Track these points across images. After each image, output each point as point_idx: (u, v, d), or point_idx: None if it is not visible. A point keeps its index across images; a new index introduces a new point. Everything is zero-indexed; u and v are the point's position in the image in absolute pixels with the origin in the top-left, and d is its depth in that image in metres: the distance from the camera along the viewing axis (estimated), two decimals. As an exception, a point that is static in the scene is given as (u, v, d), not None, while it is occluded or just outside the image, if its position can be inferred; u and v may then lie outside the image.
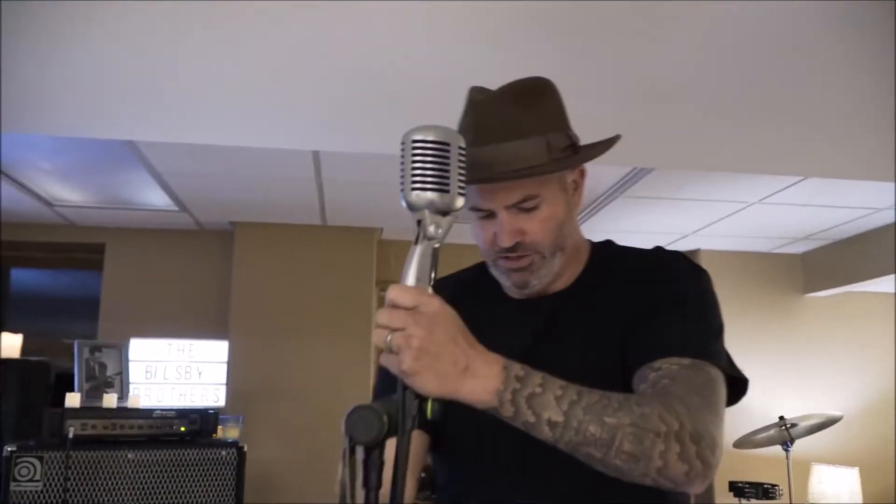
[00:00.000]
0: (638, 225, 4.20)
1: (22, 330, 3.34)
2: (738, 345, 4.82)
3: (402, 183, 0.88)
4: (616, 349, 1.12)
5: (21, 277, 5.11)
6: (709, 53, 3.01)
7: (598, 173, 3.31)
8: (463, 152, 0.89)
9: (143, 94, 2.72)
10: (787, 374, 4.68)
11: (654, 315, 1.11)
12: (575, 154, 1.19)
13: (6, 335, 3.24)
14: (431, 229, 0.88)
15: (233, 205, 3.99)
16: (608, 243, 1.30)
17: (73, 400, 2.85)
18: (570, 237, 1.19)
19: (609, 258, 1.25)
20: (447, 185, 0.87)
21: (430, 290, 0.88)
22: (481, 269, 1.28)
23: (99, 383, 3.23)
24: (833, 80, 3.04)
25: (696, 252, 4.83)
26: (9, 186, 3.51)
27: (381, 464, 0.81)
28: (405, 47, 2.80)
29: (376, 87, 2.77)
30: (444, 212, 0.88)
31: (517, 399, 0.88)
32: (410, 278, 0.87)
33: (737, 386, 1.12)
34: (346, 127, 2.79)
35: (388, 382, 1.17)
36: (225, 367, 3.55)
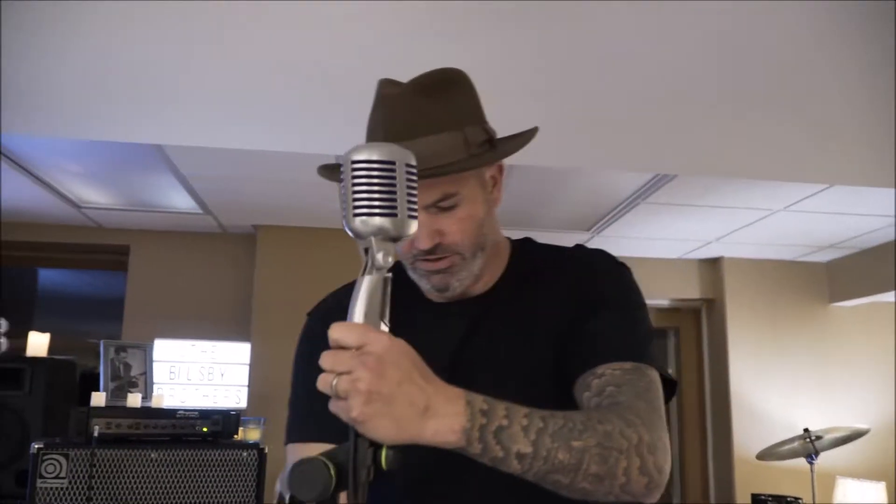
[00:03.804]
0: (659, 232, 4.18)
1: (48, 329, 3.38)
2: (762, 355, 4.77)
3: (343, 209, 0.80)
4: (545, 353, 1.09)
5: (48, 277, 5.18)
6: (734, 59, 3.00)
7: (619, 179, 3.31)
8: (412, 170, 0.81)
9: (170, 98, 2.76)
10: (811, 385, 4.62)
11: (587, 318, 1.09)
12: (493, 148, 1.11)
13: (34, 334, 3.29)
14: (380, 258, 0.80)
15: (255, 208, 4.03)
16: (527, 241, 1.25)
17: (98, 399, 2.89)
18: (490, 236, 1.14)
19: (530, 258, 1.21)
20: (395, 208, 0.79)
21: (383, 325, 0.80)
22: (397, 270, 1.20)
23: (124, 383, 3.27)
24: (860, 86, 3.02)
25: (718, 259, 4.79)
26: (38, 188, 3.56)
27: None
28: (431, 55, 2.81)
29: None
30: (395, 238, 0.81)
31: (484, 436, 0.82)
32: (358, 314, 0.80)
33: (668, 386, 1.09)
34: (369, 132, 2.80)
35: (308, 399, 1.12)
36: (247, 368, 3.58)
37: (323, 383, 0.77)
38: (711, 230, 4.14)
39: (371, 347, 0.77)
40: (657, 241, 4.40)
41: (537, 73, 2.92)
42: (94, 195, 3.80)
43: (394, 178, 0.79)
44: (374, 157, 0.79)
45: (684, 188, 3.35)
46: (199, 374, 3.49)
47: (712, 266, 4.87)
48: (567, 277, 1.15)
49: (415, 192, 0.82)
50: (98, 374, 3.29)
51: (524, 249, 1.23)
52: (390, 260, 0.81)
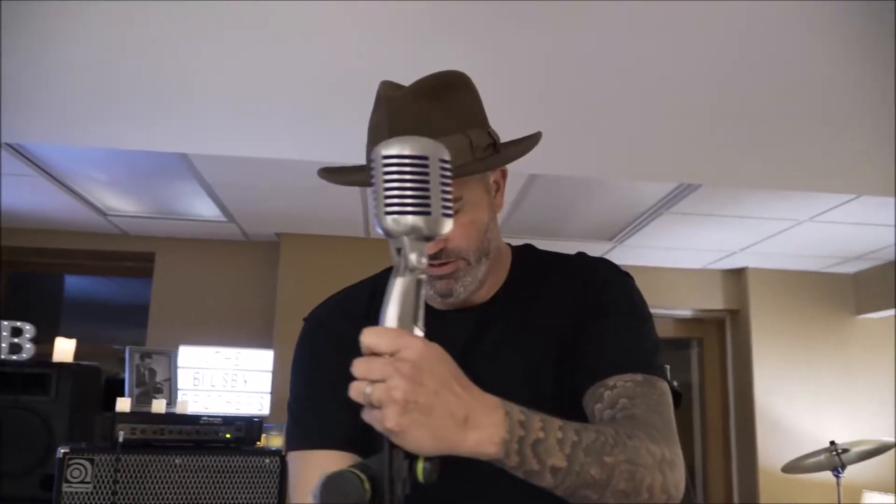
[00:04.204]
0: (682, 242, 4.15)
1: (73, 335, 3.43)
2: (787, 366, 4.71)
3: (374, 206, 0.76)
4: (549, 362, 1.08)
5: (74, 284, 5.25)
6: (760, 69, 2.98)
7: (643, 189, 3.29)
8: (446, 165, 0.77)
9: (195, 108, 2.79)
10: (837, 397, 4.56)
11: (594, 326, 1.07)
12: (497, 153, 1.08)
13: (60, 340, 3.33)
14: (413, 258, 0.76)
15: (279, 216, 4.06)
16: (529, 248, 1.23)
17: (123, 405, 2.92)
18: (493, 241, 1.11)
19: (532, 265, 1.19)
20: (428, 206, 0.75)
21: (417, 329, 0.76)
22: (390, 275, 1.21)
23: (148, 389, 3.30)
24: (887, 97, 2.99)
25: (743, 270, 4.75)
26: (66, 196, 3.62)
27: None
28: (449, 65, 2.82)
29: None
30: (428, 237, 0.77)
31: (523, 448, 0.79)
32: (391, 318, 0.75)
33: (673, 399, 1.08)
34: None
35: (310, 405, 1.11)
36: (270, 375, 3.60)
37: (356, 392, 0.73)
38: (736, 240, 4.11)
39: (406, 353, 0.73)
40: (680, 252, 4.37)
41: (560, 82, 2.93)
42: (120, 203, 3.85)
43: (427, 173, 0.75)
44: (406, 152, 0.75)
45: (708, 198, 3.33)
46: (223, 380, 3.51)
47: (736, 277, 4.83)
48: (571, 285, 1.14)
49: (449, 188, 0.77)
50: (123, 380, 3.32)
51: (525, 256, 1.21)
52: (424, 261, 0.77)
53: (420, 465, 0.73)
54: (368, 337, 0.74)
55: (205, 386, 3.47)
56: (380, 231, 0.77)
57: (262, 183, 3.43)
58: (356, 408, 1.09)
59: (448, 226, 0.77)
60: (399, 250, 0.77)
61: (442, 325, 1.12)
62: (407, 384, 0.71)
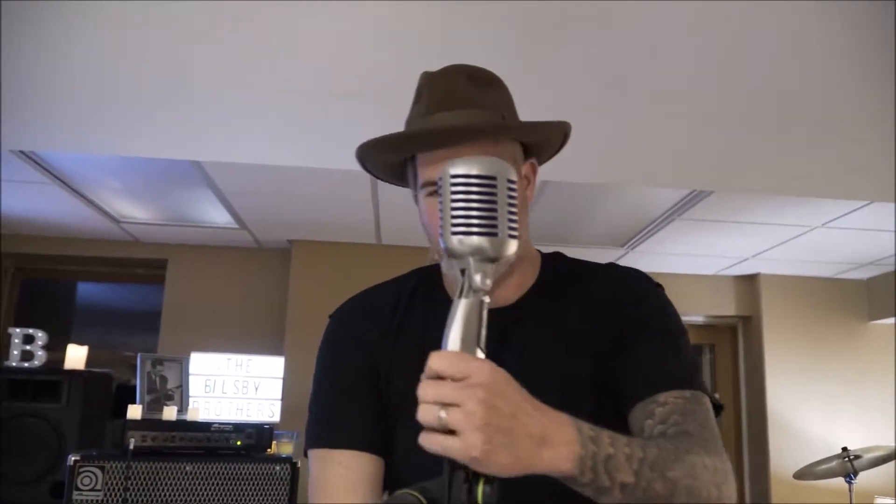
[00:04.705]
0: (694, 248, 4.13)
1: (85, 341, 3.44)
2: (799, 372, 4.68)
3: (441, 226, 0.76)
4: (582, 368, 1.06)
5: (86, 291, 5.27)
6: (772, 76, 2.97)
7: (655, 195, 3.28)
8: (513, 186, 0.77)
9: (208, 115, 2.80)
10: (849, 403, 4.53)
11: (639, 344, 1.06)
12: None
13: (72, 347, 3.34)
14: (478, 279, 0.75)
15: (290, 223, 4.07)
16: (559, 255, 1.22)
17: (134, 412, 2.92)
18: (524, 228, 1.08)
19: (563, 271, 1.17)
20: (495, 227, 0.75)
21: (479, 352, 0.75)
22: (421, 277, 1.19)
23: (160, 396, 3.30)
24: (901, 102, 2.97)
25: (755, 276, 4.72)
26: (79, 203, 3.64)
27: None
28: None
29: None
30: (493, 259, 0.76)
31: (596, 464, 0.79)
32: (454, 340, 0.74)
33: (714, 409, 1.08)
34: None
35: (333, 404, 1.11)
36: (280, 382, 3.59)
37: (429, 415, 0.71)
38: (748, 247, 4.09)
39: (477, 379, 0.72)
40: (692, 258, 4.35)
41: (571, 89, 2.92)
42: (132, 210, 3.87)
43: (494, 193, 0.75)
44: (474, 172, 0.75)
45: (721, 204, 3.31)
46: (234, 387, 3.51)
47: (749, 283, 4.80)
48: (605, 296, 1.12)
49: (515, 208, 0.77)
50: (134, 387, 3.33)
51: (556, 263, 1.20)
52: (489, 283, 0.76)
53: (481, 489, 0.71)
54: (436, 362, 0.72)
55: (216, 393, 3.47)
56: (443, 251, 0.77)
57: (274, 190, 3.44)
58: (376, 408, 1.10)
59: (513, 247, 0.77)
60: (463, 271, 0.76)
61: None
62: (485, 409, 0.71)
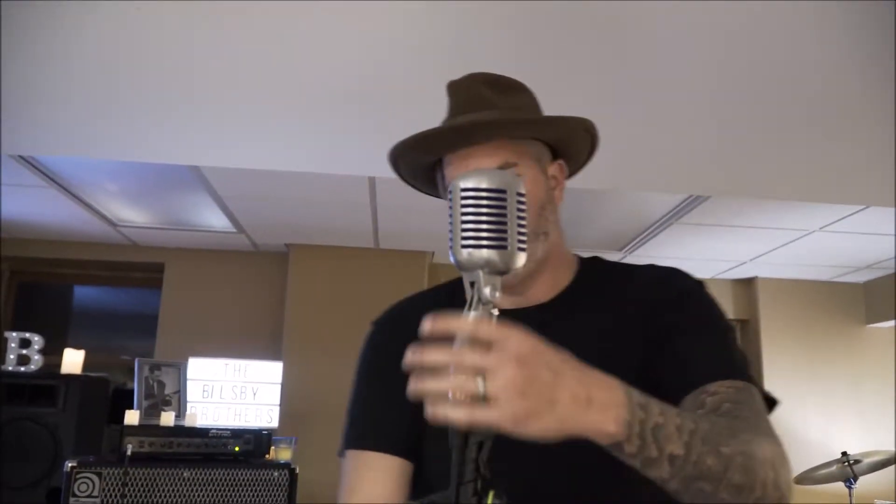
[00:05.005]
0: (692, 252, 4.13)
1: (81, 345, 3.42)
2: (797, 376, 4.68)
3: (450, 238, 0.76)
4: (627, 361, 1.02)
5: (83, 294, 5.26)
6: (769, 81, 2.97)
7: (653, 199, 3.28)
8: (522, 199, 0.78)
9: (207, 120, 2.79)
10: (848, 407, 4.53)
11: (689, 337, 1.05)
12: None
13: (69, 351, 3.32)
14: (487, 292, 0.75)
15: (288, 227, 4.06)
16: (598, 258, 1.21)
17: (131, 417, 2.91)
18: (553, 226, 1.11)
19: (600, 271, 1.18)
20: (505, 240, 0.75)
21: None
22: (458, 285, 1.20)
23: (157, 401, 3.29)
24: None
25: (752, 280, 4.73)
26: (76, 207, 3.63)
27: None
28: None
29: (434, 115, 2.79)
30: (502, 271, 0.76)
31: (644, 432, 0.76)
32: None
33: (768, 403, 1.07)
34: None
35: (371, 408, 1.13)
36: (278, 388, 3.59)
37: (465, 385, 0.68)
38: (745, 251, 4.09)
39: (510, 343, 0.69)
40: (690, 262, 4.35)
41: (568, 94, 2.92)
42: (130, 214, 3.86)
43: (504, 207, 0.76)
44: (484, 185, 0.76)
45: (718, 209, 3.32)
46: (232, 392, 3.50)
47: (746, 286, 4.81)
48: (648, 294, 1.11)
49: (524, 221, 0.77)
50: (131, 390, 3.32)
51: (593, 265, 1.20)
52: (498, 295, 0.75)
53: (490, 501, 0.70)
54: (468, 323, 0.72)
55: (214, 398, 3.46)
56: (453, 263, 0.76)
57: (272, 194, 3.43)
58: (412, 415, 1.09)
59: (522, 260, 0.77)
60: (472, 284, 0.76)
61: (503, 323, 1.12)
62: (524, 371, 0.68)
